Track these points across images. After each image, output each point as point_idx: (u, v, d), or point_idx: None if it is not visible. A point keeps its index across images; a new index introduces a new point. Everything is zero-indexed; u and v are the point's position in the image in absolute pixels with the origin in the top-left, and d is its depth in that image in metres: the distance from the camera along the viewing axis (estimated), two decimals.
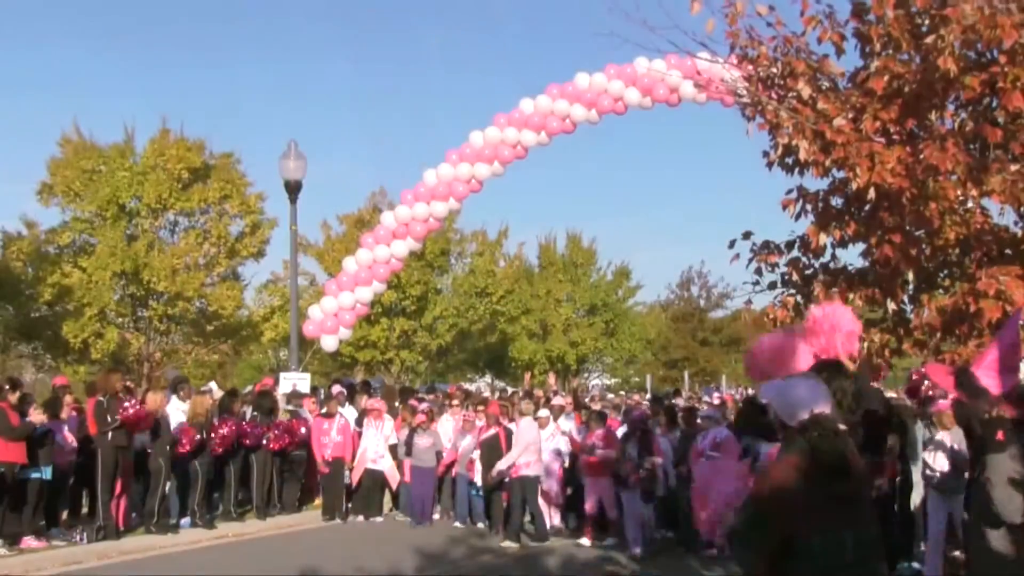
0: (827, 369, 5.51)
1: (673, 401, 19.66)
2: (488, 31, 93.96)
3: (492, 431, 14.91)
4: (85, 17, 77.83)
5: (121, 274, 24.28)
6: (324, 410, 16.67)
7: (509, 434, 14.59)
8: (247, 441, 15.37)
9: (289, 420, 16.28)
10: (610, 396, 26.75)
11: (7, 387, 13.23)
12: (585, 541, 13.65)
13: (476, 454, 15.18)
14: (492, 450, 14.64)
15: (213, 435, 14.75)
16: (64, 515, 14.11)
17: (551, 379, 19.77)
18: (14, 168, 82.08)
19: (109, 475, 13.45)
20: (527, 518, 14.42)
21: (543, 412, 14.86)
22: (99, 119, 78.66)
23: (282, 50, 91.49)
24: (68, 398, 13.85)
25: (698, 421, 14.22)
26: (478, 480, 15.17)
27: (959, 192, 7.36)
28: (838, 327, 5.84)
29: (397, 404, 17.51)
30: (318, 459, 16.22)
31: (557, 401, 16.50)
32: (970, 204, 7.64)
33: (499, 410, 15.60)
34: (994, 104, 7.69)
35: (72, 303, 24.12)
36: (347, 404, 17.27)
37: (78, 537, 13.38)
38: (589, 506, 13.87)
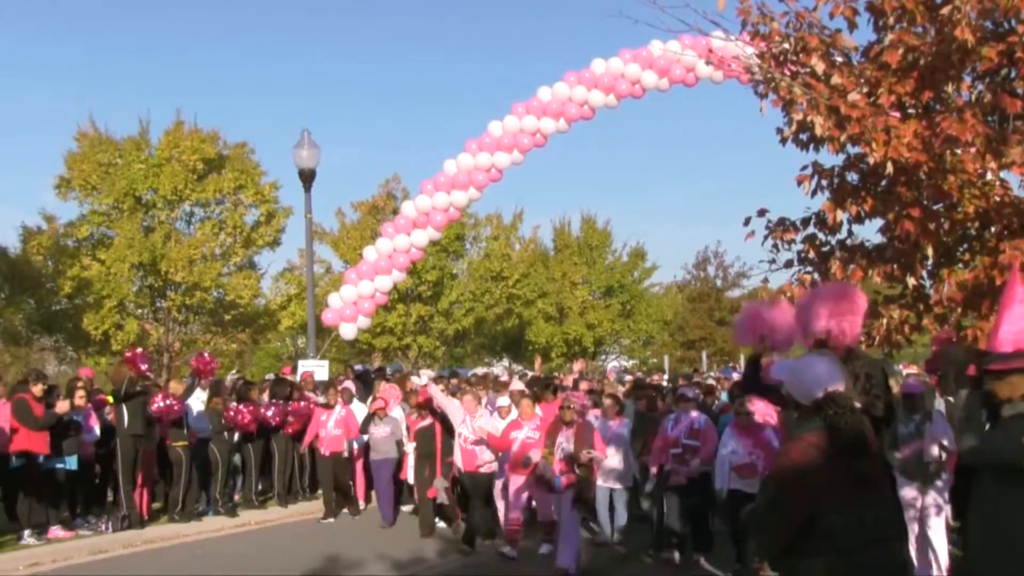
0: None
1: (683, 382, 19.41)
2: (501, 19, 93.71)
3: (427, 421, 13.64)
4: (98, 12, 77.95)
5: (139, 265, 24.42)
6: (324, 400, 15.83)
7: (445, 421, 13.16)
8: (270, 420, 15.52)
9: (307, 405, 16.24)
10: (627, 378, 26.73)
11: (31, 379, 13.37)
12: (508, 549, 11.71)
13: (411, 447, 14.08)
14: (428, 441, 13.51)
15: (235, 415, 14.91)
16: (77, 505, 14.20)
17: (576, 364, 18.66)
18: (32, 162, 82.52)
19: (130, 465, 13.56)
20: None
21: (503, 400, 13.20)
22: (114, 113, 79.16)
23: (295, 40, 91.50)
24: (80, 392, 13.88)
25: (660, 403, 13.18)
26: (410, 477, 14.11)
27: (978, 165, 7.31)
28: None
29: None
30: (304, 444, 15.84)
31: (516, 386, 15.01)
32: (989, 176, 7.59)
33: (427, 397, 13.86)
34: (1012, 74, 7.63)
35: (92, 295, 24.27)
36: (352, 399, 15.91)
37: (103, 526, 13.52)
38: (515, 514, 11.96)
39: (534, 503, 12.20)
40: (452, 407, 13.00)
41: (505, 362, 40.71)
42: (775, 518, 4.39)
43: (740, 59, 8.93)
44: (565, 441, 10.72)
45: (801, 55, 8.25)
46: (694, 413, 11.49)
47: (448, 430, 13.09)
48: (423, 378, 14.46)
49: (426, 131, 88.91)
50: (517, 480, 11.93)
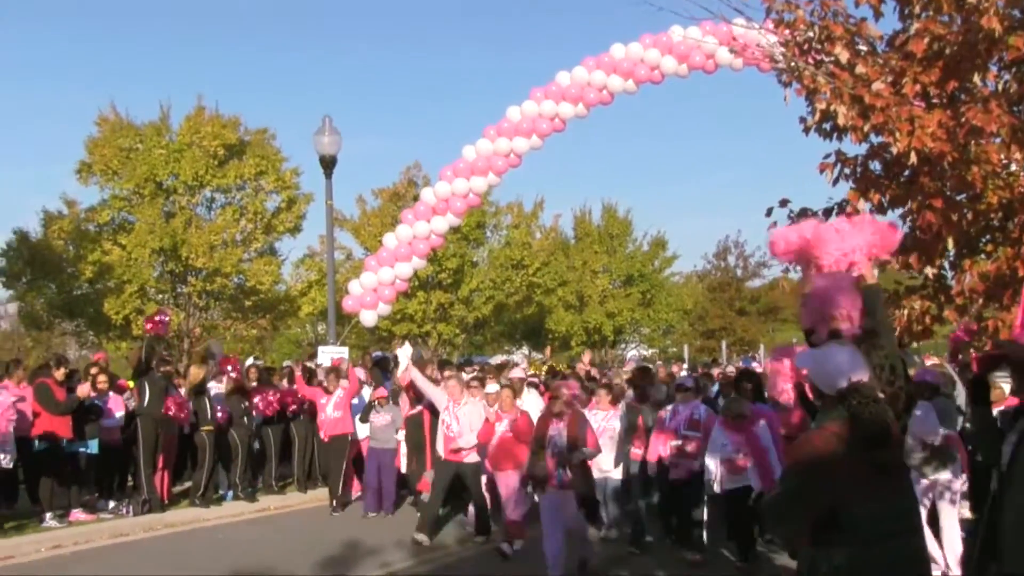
0: (865, 339, 5.48)
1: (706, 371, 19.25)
2: (522, 4, 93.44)
3: (416, 409, 13.40)
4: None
5: (160, 251, 24.50)
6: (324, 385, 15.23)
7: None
8: (290, 406, 15.64)
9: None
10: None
11: (53, 363, 13.47)
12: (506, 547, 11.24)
13: (401, 435, 13.83)
14: (416, 431, 13.24)
15: (257, 400, 15.04)
16: (97, 489, 14.30)
17: (586, 356, 18.15)
18: (54, 148, 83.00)
19: (150, 449, 13.64)
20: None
21: (491, 387, 12.26)
22: (135, 98, 79.29)
23: (316, 26, 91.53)
24: (101, 376, 13.97)
25: (651, 390, 12.50)
26: (403, 467, 13.86)
27: (1002, 155, 7.24)
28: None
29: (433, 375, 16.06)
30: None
31: (516, 373, 14.56)
32: (1013, 167, 7.52)
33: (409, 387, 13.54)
34: None
35: (113, 280, 24.41)
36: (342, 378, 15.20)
37: (125, 510, 13.61)
38: (515, 512, 11.41)
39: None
40: (435, 393, 12.64)
41: (525, 350, 40.72)
42: (795, 508, 4.36)
43: (762, 47, 8.88)
44: (557, 435, 9.60)
45: (826, 44, 8.18)
46: (694, 403, 11.10)
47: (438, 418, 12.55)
48: (402, 360, 13.55)
49: (447, 118, 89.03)
50: (504, 476, 11.50)
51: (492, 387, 12.29)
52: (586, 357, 17.52)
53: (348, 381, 14.94)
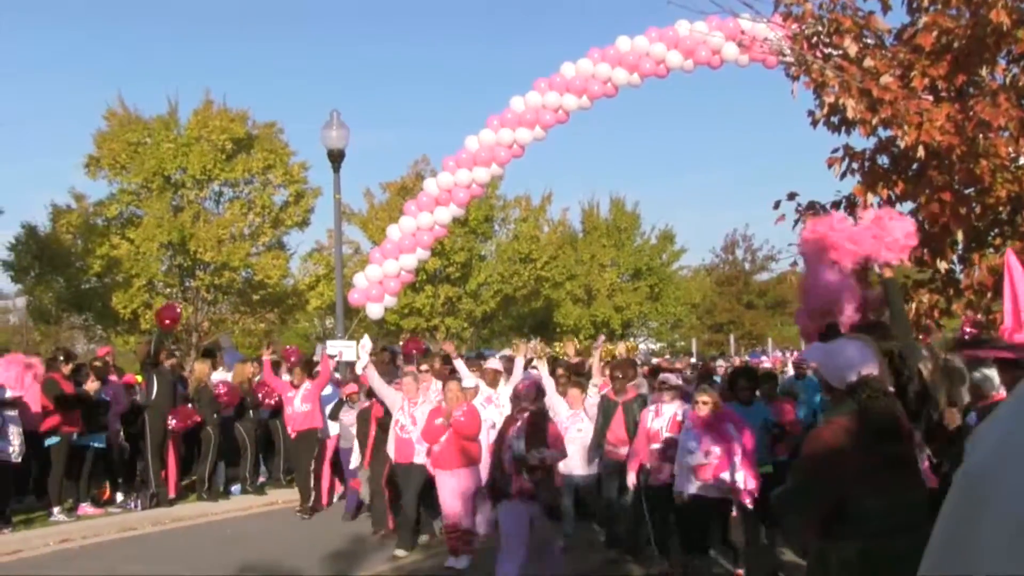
0: (876, 331, 5.45)
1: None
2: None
3: (366, 403, 12.59)
4: None
5: (168, 245, 24.55)
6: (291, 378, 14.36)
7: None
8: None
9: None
10: (654, 360, 26.60)
11: (60, 358, 13.50)
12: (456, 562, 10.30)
13: (354, 429, 12.96)
14: (363, 426, 12.42)
15: (261, 395, 15.03)
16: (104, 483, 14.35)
17: (570, 348, 17.11)
18: (62, 142, 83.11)
19: (158, 443, 13.67)
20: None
21: (468, 381, 11.42)
22: (143, 93, 79.29)
23: (323, 19, 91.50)
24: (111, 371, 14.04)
25: (630, 384, 11.11)
26: (354, 462, 12.89)
27: (1010, 149, 7.22)
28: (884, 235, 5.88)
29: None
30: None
31: (492, 364, 13.03)
32: (1022, 161, 7.49)
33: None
34: None
35: (121, 274, 24.43)
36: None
37: (132, 504, 13.65)
38: (456, 519, 10.41)
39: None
40: (388, 394, 11.62)
41: (532, 344, 40.67)
42: (804, 500, 4.35)
43: (769, 40, 8.86)
44: (515, 437, 8.43)
45: (834, 37, 8.16)
46: (679, 402, 9.97)
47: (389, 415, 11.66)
48: (362, 355, 12.68)
49: (456, 112, 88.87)
50: (450, 478, 10.39)
51: (469, 382, 11.53)
52: (570, 348, 16.81)
53: (320, 372, 14.21)
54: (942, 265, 8.31)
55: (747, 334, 48.62)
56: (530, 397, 8.63)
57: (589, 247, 39.54)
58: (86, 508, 13.17)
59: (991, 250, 8.33)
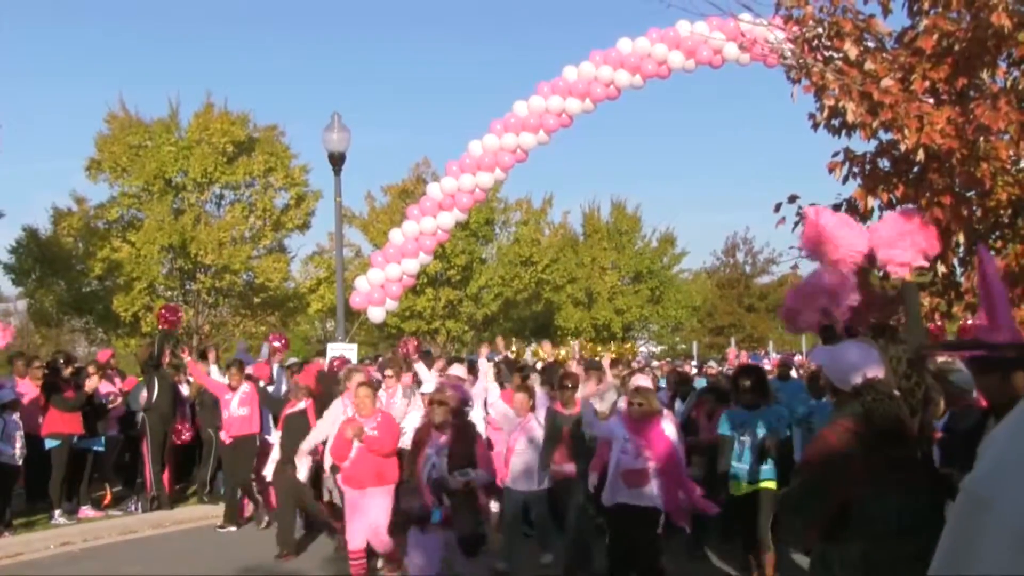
0: (883, 334, 5.45)
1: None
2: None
3: (300, 405, 11.40)
4: None
5: (169, 248, 24.59)
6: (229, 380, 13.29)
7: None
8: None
9: None
10: (655, 364, 26.57)
11: (61, 361, 13.51)
12: None
13: (277, 436, 11.77)
14: (296, 432, 10.96)
15: None
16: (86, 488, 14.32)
17: (546, 348, 16.14)
18: (63, 145, 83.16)
19: (158, 446, 13.67)
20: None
21: (427, 386, 10.71)
22: (144, 95, 79.24)
23: (324, 22, 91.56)
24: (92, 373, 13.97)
25: (568, 386, 10.03)
26: (268, 473, 11.79)
27: (1012, 152, 7.22)
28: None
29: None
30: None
31: (455, 370, 11.99)
32: (1023, 164, 7.50)
33: (312, 379, 12.14)
34: None
35: (122, 277, 24.48)
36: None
37: (133, 507, 13.65)
38: (362, 545, 9.18)
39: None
40: (328, 415, 10.35)
41: (533, 346, 40.69)
42: (809, 502, 4.35)
43: (769, 42, 8.86)
44: (435, 454, 7.41)
45: (834, 40, 8.17)
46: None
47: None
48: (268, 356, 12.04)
49: (456, 115, 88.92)
50: (360, 498, 9.04)
51: (428, 386, 10.71)
52: (546, 347, 16.00)
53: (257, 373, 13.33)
54: (942, 268, 8.30)
55: (748, 337, 48.61)
56: (457, 407, 7.62)
57: (590, 250, 39.56)
58: (87, 511, 13.17)
59: (992, 253, 8.33)
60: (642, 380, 9.01)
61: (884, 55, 8.02)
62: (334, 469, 9.92)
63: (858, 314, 6.48)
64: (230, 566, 10.50)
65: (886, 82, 7.60)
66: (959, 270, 8.54)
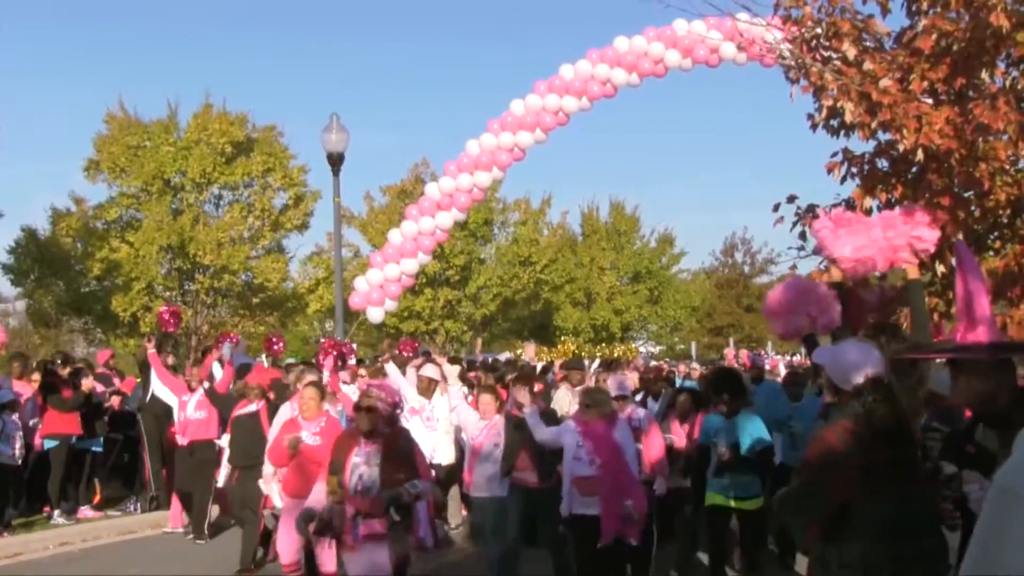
0: (885, 333, 5.46)
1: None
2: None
3: (252, 407, 10.55)
4: None
5: (168, 248, 24.58)
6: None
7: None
8: None
9: None
10: (653, 363, 26.54)
11: (59, 361, 13.51)
12: None
13: (225, 439, 11.09)
14: (246, 435, 10.32)
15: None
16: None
17: (529, 348, 15.20)
18: (62, 145, 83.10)
19: (156, 446, 13.65)
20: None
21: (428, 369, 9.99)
22: (143, 96, 79.21)
23: (322, 22, 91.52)
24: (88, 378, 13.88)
25: (523, 389, 9.30)
26: (221, 480, 11.27)
27: (1010, 152, 7.23)
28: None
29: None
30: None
31: (428, 372, 11.59)
32: (1022, 164, 7.51)
33: (266, 381, 11.00)
34: None
35: (120, 277, 24.47)
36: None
37: (132, 507, 13.64)
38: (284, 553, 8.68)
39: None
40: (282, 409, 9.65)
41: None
42: (808, 503, 4.35)
43: (767, 42, 8.86)
44: (364, 462, 6.60)
45: (833, 40, 8.17)
46: (630, 408, 8.96)
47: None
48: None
49: (455, 115, 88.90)
50: (300, 508, 7.38)
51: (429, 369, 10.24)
52: (530, 350, 15.20)
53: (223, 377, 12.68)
54: (941, 268, 8.31)
55: (747, 337, 48.64)
56: (391, 413, 6.77)
57: (589, 250, 39.58)
58: (85, 511, 13.16)
59: (991, 253, 8.34)
60: (612, 381, 9.01)
61: (883, 55, 8.02)
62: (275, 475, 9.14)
63: (858, 314, 6.50)
64: (229, 566, 10.48)
65: (885, 82, 7.60)
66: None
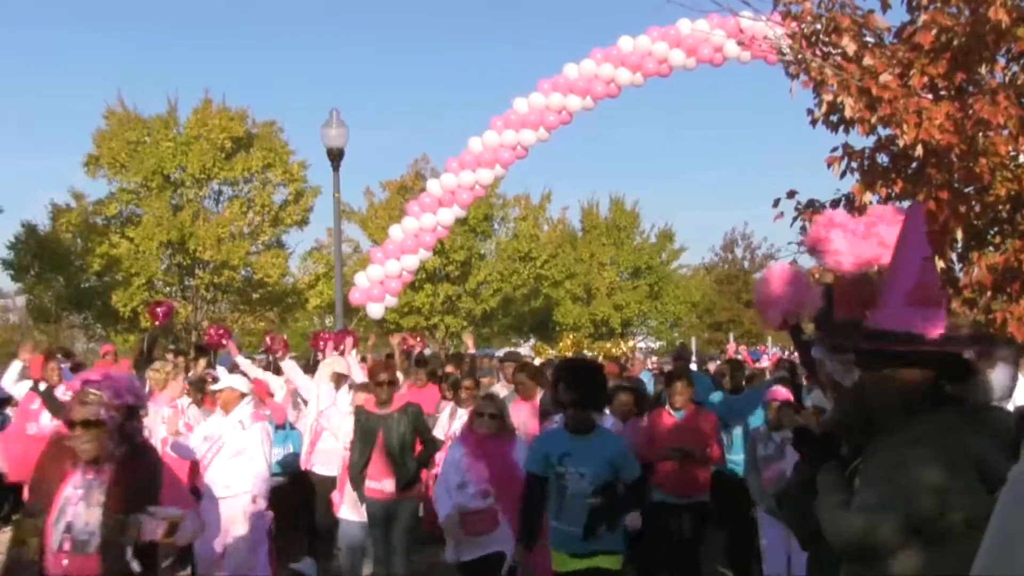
0: None
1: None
2: None
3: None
4: None
5: (167, 244, 24.63)
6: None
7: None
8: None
9: None
10: (652, 358, 26.54)
11: (58, 356, 13.45)
12: None
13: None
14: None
15: None
16: None
17: (468, 341, 14.21)
18: (61, 141, 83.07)
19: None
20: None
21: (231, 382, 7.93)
22: (143, 92, 79.27)
23: (323, 18, 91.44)
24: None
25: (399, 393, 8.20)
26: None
27: (1010, 147, 7.21)
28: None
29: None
30: None
31: (338, 368, 9.75)
32: (1022, 159, 7.49)
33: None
34: None
35: (120, 273, 24.52)
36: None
37: None
38: None
39: None
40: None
41: (532, 342, 40.77)
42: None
43: (769, 39, 8.86)
44: (82, 497, 4.45)
45: (833, 35, 8.16)
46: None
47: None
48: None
49: (455, 111, 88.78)
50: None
51: (237, 382, 7.96)
52: (468, 340, 14.14)
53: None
54: (940, 264, 8.30)
55: (747, 332, 48.63)
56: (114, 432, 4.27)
57: (588, 246, 39.57)
58: None
59: (991, 249, 8.32)
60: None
61: (883, 50, 8.01)
62: None
63: (848, 307, 6.48)
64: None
65: (884, 77, 7.60)
66: (957, 266, 8.54)
